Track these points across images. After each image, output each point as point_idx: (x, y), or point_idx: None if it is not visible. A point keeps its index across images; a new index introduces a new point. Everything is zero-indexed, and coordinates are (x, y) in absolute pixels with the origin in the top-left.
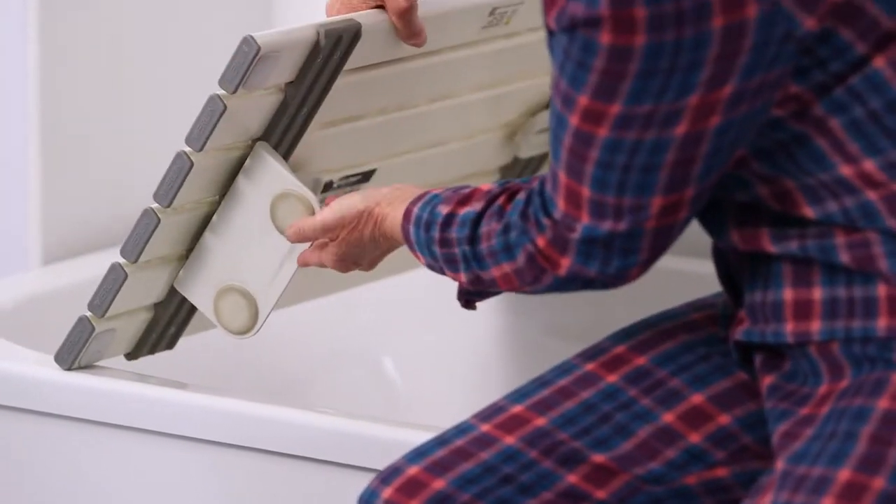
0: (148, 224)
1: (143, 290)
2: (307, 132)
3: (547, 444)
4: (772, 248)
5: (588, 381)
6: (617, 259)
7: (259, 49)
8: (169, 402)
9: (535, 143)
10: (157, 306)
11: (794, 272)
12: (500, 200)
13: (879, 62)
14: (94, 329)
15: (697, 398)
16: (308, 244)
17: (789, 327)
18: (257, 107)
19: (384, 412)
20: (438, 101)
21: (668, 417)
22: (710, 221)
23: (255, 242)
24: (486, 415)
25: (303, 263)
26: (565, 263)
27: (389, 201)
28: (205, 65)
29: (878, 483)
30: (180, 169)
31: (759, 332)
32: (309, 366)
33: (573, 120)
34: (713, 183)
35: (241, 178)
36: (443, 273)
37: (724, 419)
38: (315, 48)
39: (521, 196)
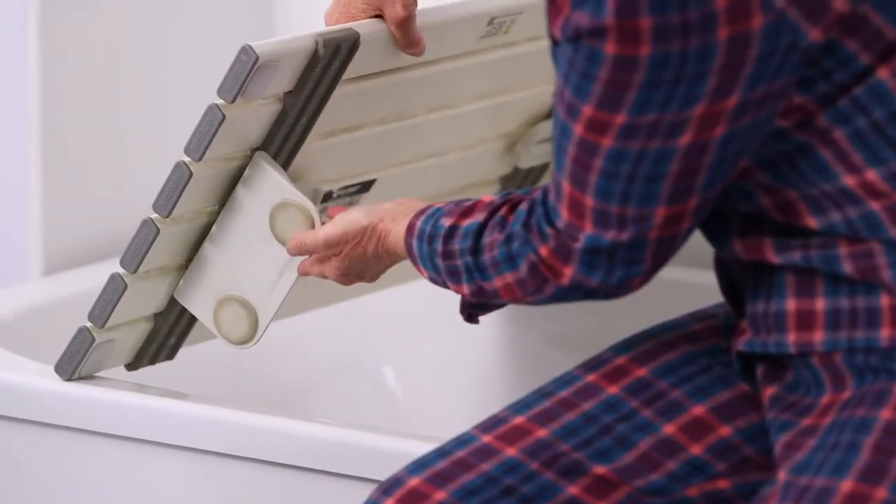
0: (147, 234)
1: (143, 301)
2: (306, 142)
3: (548, 455)
4: (775, 258)
5: (589, 393)
6: (620, 269)
7: (257, 58)
8: (169, 412)
9: (535, 154)
10: (157, 317)
11: (797, 282)
12: (503, 211)
13: (883, 73)
14: (94, 340)
15: (698, 409)
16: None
17: (792, 338)
18: (256, 116)
19: (385, 423)
20: (437, 110)
21: (669, 429)
22: (713, 231)
23: (254, 252)
24: (487, 426)
25: (303, 273)
26: (568, 273)
27: (393, 217)
28: (205, 74)
29: (881, 493)
30: (179, 179)
31: (762, 343)
32: (310, 376)
33: (577, 130)
34: (717, 193)
35: (240, 188)
36: (445, 286)
37: (726, 430)
38: (314, 57)
39: (524, 206)
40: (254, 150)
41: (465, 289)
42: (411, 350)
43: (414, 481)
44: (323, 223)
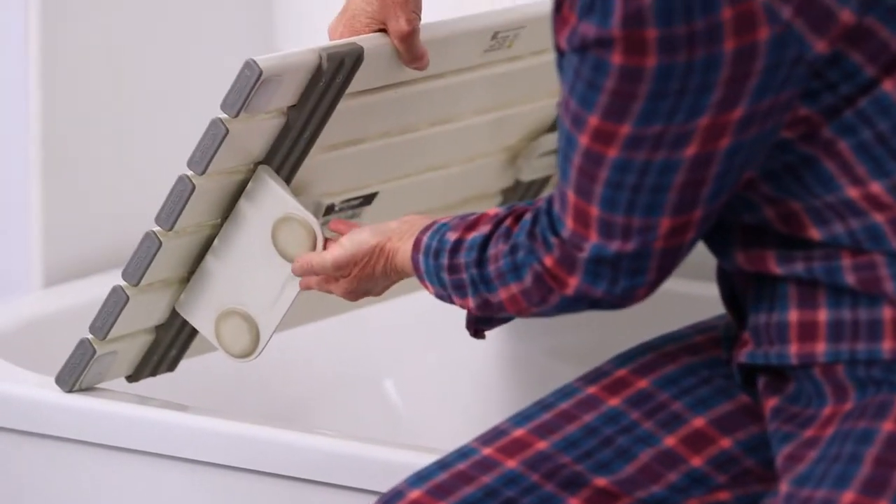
0: (150, 247)
1: (145, 313)
2: (309, 155)
3: (549, 467)
4: (777, 269)
5: (590, 405)
6: (624, 279)
7: (261, 73)
8: (170, 424)
9: (537, 167)
10: (159, 329)
11: (800, 294)
12: (507, 222)
13: (889, 85)
14: (95, 351)
15: (699, 421)
16: None
17: (794, 349)
18: (259, 130)
19: (386, 435)
20: (440, 124)
21: (669, 441)
22: (716, 242)
23: (256, 266)
24: (488, 438)
25: (305, 287)
26: (573, 283)
27: (400, 235)
28: (207, 87)
29: None
30: (182, 192)
31: (763, 354)
32: (311, 388)
33: (583, 140)
34: (722, 204)
35: (243, 202)
36: (451, 301)
37: (726, 442)
38: (317, 72)
39: (528, 216)
40: (257, 164)
41: (471, 302)
42: (412, 362)
43: (414, 493)
44: (325, 238)
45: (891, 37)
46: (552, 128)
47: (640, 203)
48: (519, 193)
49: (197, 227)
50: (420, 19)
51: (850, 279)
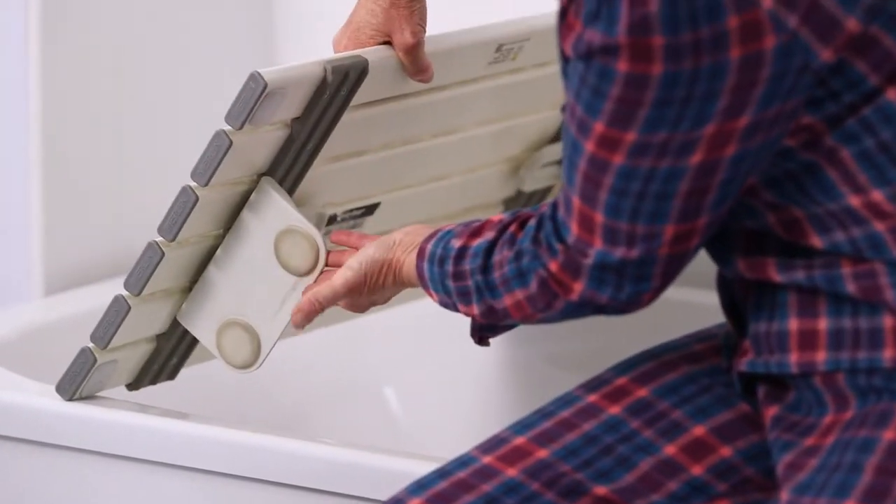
0: (152, 257)
1: (146, 322)
2: (312, 167)
3: (549, 476)
4: (778, 277)
5: (590, 413)
6: (629, 285)
7: (266, 85)
8: (170, 432)
9: (539, 177)
10: (160, 337)
11: (800, 302)
12: (512, 228)
13: (892, 94)
14: (96, 360)
15: (699, 430)
16: (313, 278)
17: (794, 357)
18: (263, 142)
19: (386, 443)
20: (443, 135)
21: (670, 449)
22: (717, 249)
23: (258, 277)
24: (488, 446)
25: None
26: (578, 288)
27: (405, 248)
28: (208, 95)
29: None
30: (185, 203)
31: (763, 363)
32: (310, 396)
33: (588, 146)
34: (726, 211)
35: (246, 213)
36: (456, 309)
37: (726, 451)
38: (322, 84)
39: (532, 222)
40: (260, 176)
41: (476, 309)
42: (412, 370)
43: (414, 502)
44: (328, 251)
45: (894, 45)
46: (555, 138)
47: (644, 210)
48: (520, 203)
49: (199, 237)
50: (425, 32)
51: (850, 287)
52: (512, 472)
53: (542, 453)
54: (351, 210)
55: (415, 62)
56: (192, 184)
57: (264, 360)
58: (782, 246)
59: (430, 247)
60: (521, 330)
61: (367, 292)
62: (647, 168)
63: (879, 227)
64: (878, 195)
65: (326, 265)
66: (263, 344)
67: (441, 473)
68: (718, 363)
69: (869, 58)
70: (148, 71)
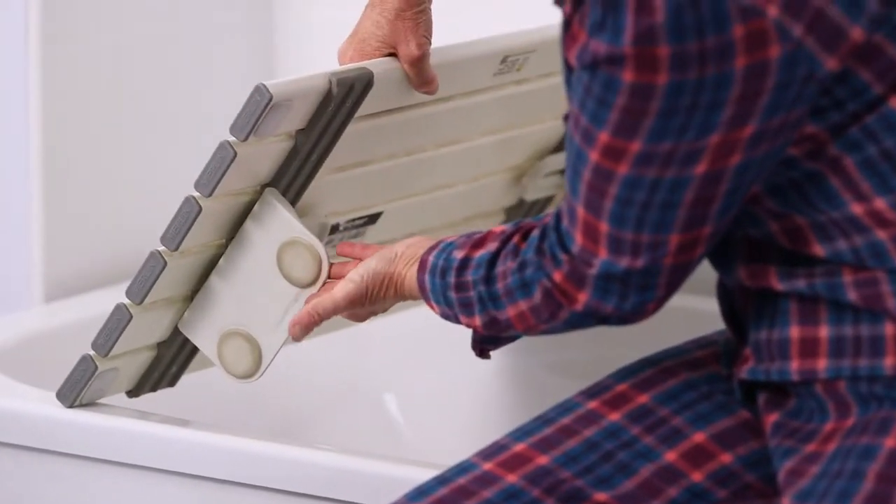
0: (154, 267)
1: (147, 330)
2: (316, 177)
3: (549, 482)
4: (779, 285)
5: (590, 420)
6: (634, 295)
7: (271, 98)
8: (171, 439)
9: (542, 186)
10: (161, 345)
11: (801, 310)
12: (515, 239)
13: (895, 102)
14: (97, 368)
15: (699, 437)
16: (315, 289)
17: (795, 365)
18: (267, 153)
19: (386, 449)
20: (447, 145)
21: (670, 456)
22: (718, 257)
23: (260, 288)
24: (488, 453)
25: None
26: (582, 298)
27: (406, 260)
28: (208, 104)
29: None
30: (189, 213)
31: (764, 371)
32: (311, 403)
33: (593, 156)
34: (730, 220)
35: (249, 223)
36: (457, 321)
37: (727, 458)
38: (327, 96)
39: (536, 232)
40: (263, 186)
41: (478, 320)
42: (412, 377)
43: None
44: (331, 263)
45: None
46: (558, 148)
47: (649, 220)
48: (522, 212)
49: (202, 247)
50: (430, 43)
51: (851, 295)
52: (512, 479)
53: (543, 460)
54: (353, 219)
55: (420, 74)
56: (196, 194)
57: (265, 370)
58: (784, 254)
59: (431, 258)
60: (522, 338)
61: (368, 304)
62: (652, 178)
63: (882, 235)
64: (880, 203)
65: (329, 277)
66: (264, 354)
67: (441, 480)
68: (718, 370)
69: (873, 66)
70: (149, 78)
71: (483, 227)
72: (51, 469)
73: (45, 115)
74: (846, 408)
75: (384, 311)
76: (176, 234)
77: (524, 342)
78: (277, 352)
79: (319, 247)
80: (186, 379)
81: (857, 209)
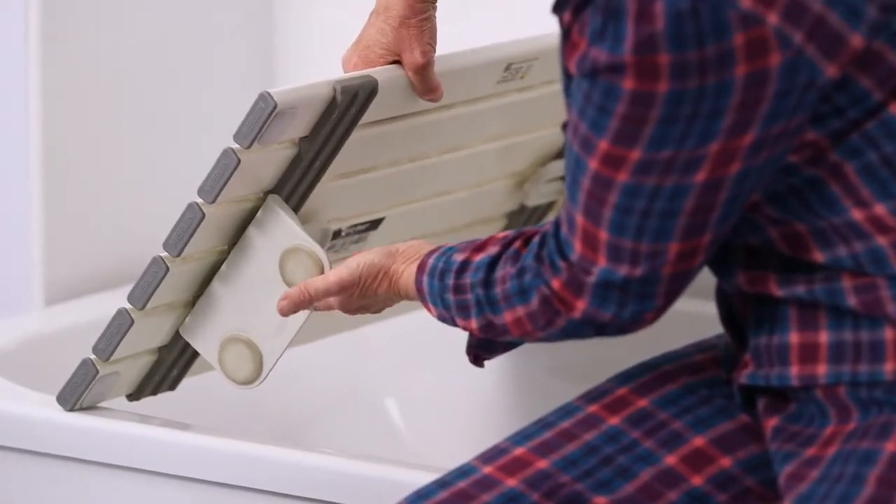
0: (157, 272)
1: (149, 335)
2: (319, 183)
3: (549, 486)
4: (778, 291)
5: (590, 424)
6: (633, 303)
7: (276, 106)
8: (171, 442)
9: (543, 192)
10: (162, 349)
11: (800, 315)
12: (517, 245)
13: (895, 108)
14: (97, 372)
15: (699, 440)
16: None
17: (794, 371)
18: (271, 160)
19: (387, 453)
20: (451, 152)
21: (670, 460)
22: (717, 263)
23: (262, 294)
24: (488, 457)
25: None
26: (580, 306)
27: (405, 258)
28: (208, 108)
29: None
30: (191, 220)
31: (764, 376)
32: (312, 407)
33: (592, 164)
34: (729, 228)
35: (251, 230)
36: (454, 323)
37: (726, 462)
38: (331, 104)
39: (536, 240)
40: (266, 193)
41: (474, 323)
42: (412, 380)
43: None
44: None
45: None
46: (560, 154)
47: (649, 228)
48: (524, 217)
49: (204, 253)
50: (435, 51)
51: (851, 301)
52: (512, 483)
53: (542, 464)
54: (355, 225)
55: (424, 82)
56: (199, 200)
57: (266, 376)
58: (783, 261)
59: (431, 261)
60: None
61: (359, 295)
62: (652, 186)
63: (881, 241)
64: (880, 209)
65: None
66: (265, 361)
67: (441, 484)
68: (718, 374)
69: (873, 73)
70: (149, 78)
71: (485, 232)
72: (51, 473)
73: (45, 116)
74: (847, 412)
75: (377, 311)
76: (178, 240)
77: (525, 345)
78: (279, 358)
79: (321, 254)
80: (187, 382)
81: (857, 215)
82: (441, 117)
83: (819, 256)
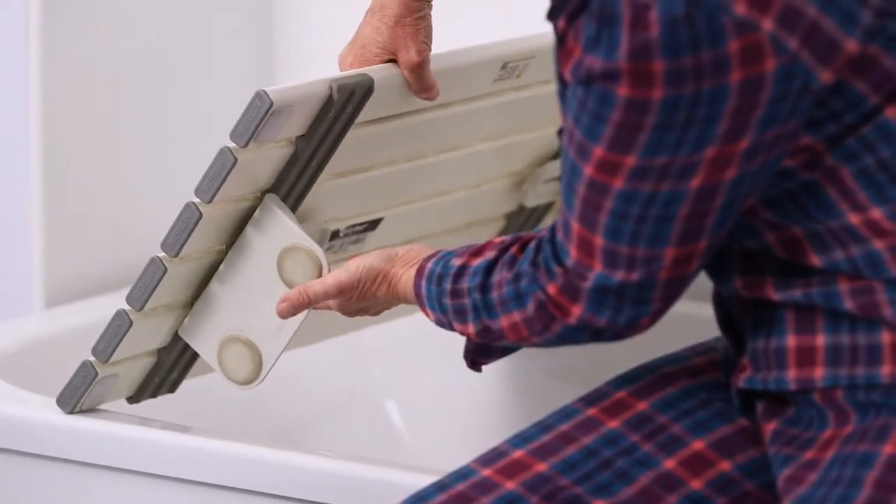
0: (154, 273)
1: (148, 337)
2: (316, 183)
3: (548, 489)
4: (775, 295)
5: (589, 427)
6: (629, 309)
7: (272, 104)
8: (171, 445)
9: (542, 192)
10: (161, 351)
11: (797, 319)
12: (513, 250)
13: (892, 112)
14: (97, 374)
15: (698, 444)
16: None
17: (792, 374)
18: (268, 159)
19: (387, 455)
20: (448, 151)
21: (669, 463)
22: (714, 268)
23: (261, 294)
24: (487, 459)
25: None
26: (576, 312)
27: (405, 262)
28: (206, 106)
29: None
30: (189, 220)
31: (762, 380)
32: (311, 409)
33: (588, 170)
34: (725, 233)
35: (249, 229)
36: (451, 328)
37: (726, 465)
38: (328, 103)
39: (532, 245)
40: (264, 192)
41: (471, 328)
42: (413, 383)
43: None
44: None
45: (894, 65)
46: (558, 154)
47: (644, 233)
48: (522, 218)
49: (202, 253)
50: (430, 50)
51: (848, 304)
52: (511, 486)
53: (541, 467)
54: (354, 225)
55: (420, 80)
56: (196, 200)
57: (265, 376)
58: (780, 265)
59: (429, 265)
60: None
61: (358, 297)
62: (648, 192)
63: (878, 245)
64: (877, 213)
65: None
66: (265, 360)
67: (440, 486)
68: (717, 377)
69: (868, 78)
70: (149, 79)
71: (484, 233)
72: (51, 475)
73: (45, 116)
74: (845, 415)
75: (376, 314)
76: (176, 241)
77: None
78: (278, 358)
79: (320, 253)
80: (187, 385)
81: (853, 219)
82: (438, 116)
83: (816, 260)
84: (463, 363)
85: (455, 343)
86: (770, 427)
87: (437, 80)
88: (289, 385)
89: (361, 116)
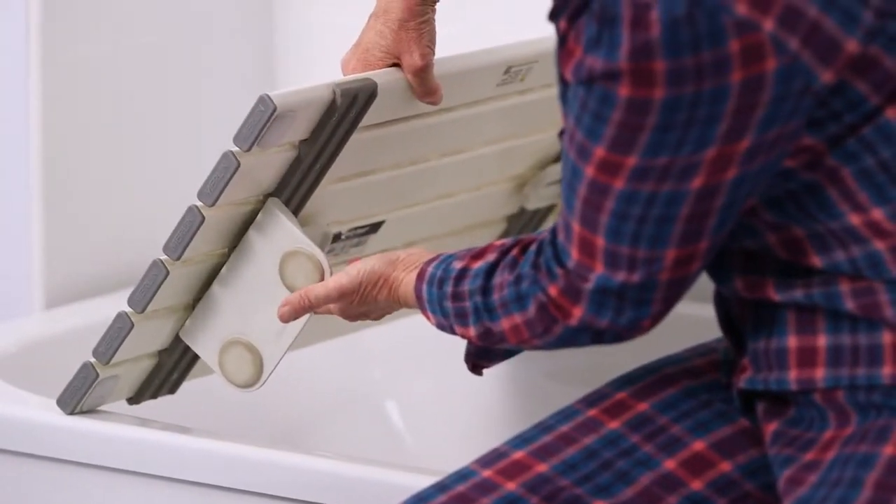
0: (157, 275)
1: (149, 339)
2: (318, 186)
3: (548, 490)
4: (776, 296)
5: (590, 427)
6: (630, 310)
7: (275, 108)
8: (172, 446)
9: (543, 195)
10: (162, 353)
11: (798, 319)
12: (514, 252)
13: (892, 113)
14: (98, 376)
15: (699, 445)
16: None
17: (793, 375)
18: (271, 163)
19: (387, 456)
20: (451, 155)
21: (669, 464)
22: (715, 268)
23: (262, 297)
24: (488, 460)
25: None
26: (577, 313)
27: (406, 266)
28: (206, 107)
29: None
30: (191, 223)
31: (763, 380)
32: (312, 410)
33: (589, 171)
34: (726, 234)
35: (252, 233)
36: (452, 331)
37: (726, 466)
38: (331, 107)
39: (533, 247)
40: (266, 196)
41: (472, 331)
42: (413, 384)
43: None
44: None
45: (894, 65)
46: (560, 157)
47: (645, 234)
48: (523, 221)
49: (204, 256)
50: (434, 54)
51: (849, 305)
52: (511, 486)
53: (542, 467)
54: (355, 228)
55: (423, 84)
56: (199, 203)
57: (266, 379)
58: (781, 266)
59: (430, 269)
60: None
61: (359, 301)
62: (649, 192)
63: (879, 245)
64: (878, 213)
65: None
66: (266, 364)
67: (440, 487)
68: (718, 378)
69: (869, 78)
70: (149, 80)
71: (485, 235)
72: (51, 476)
73: (46, 118)
74: (845, 416)
75: (377, 318)
76: (178, 243)
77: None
78: (279, 361)
79: (321, 257)
80: (187, 386)
81: (854, 220)
82: (441, 120)
83: (817, 261)
84: (463, 364)
85: (455, 344)
86: (771, 428)
87: (441, 84)
88: (289, 386)
89: (365, 120)
